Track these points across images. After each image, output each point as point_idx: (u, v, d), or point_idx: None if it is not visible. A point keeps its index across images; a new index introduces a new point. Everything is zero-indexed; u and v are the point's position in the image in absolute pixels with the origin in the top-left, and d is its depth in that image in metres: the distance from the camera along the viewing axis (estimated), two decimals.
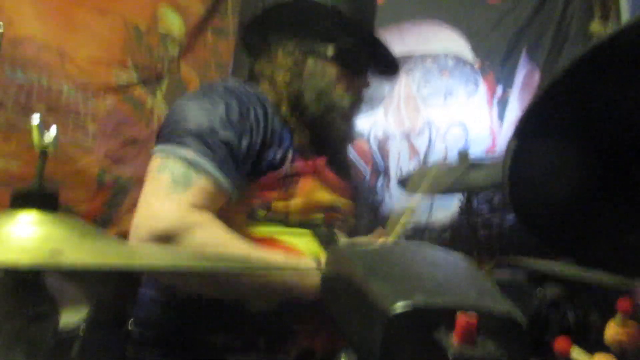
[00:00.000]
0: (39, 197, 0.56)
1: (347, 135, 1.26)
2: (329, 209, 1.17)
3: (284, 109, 1.16)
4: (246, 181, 1.06)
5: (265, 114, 1.11)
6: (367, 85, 1.26)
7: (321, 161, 1.18)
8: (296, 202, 1.10)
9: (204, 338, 1.04)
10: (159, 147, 1.04)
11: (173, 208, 0.96)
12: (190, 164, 0.99)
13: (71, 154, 1.55)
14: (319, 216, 1.15)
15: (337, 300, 0.57)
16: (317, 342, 1.06)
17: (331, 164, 1.22)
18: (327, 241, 1.13)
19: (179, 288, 1.06)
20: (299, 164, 1.13)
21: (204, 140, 1.01)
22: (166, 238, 0.93)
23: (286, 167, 1.10)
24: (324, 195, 1.16)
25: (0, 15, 1.40)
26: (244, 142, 1.04)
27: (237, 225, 1.06)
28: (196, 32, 1.98)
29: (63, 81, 1.55)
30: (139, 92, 1.76)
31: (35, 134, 0.58)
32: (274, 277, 0.98)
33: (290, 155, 1.11)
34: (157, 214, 0.96)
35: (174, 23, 1.90)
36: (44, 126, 0.59)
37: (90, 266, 0.50)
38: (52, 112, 1.52)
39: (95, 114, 1.62)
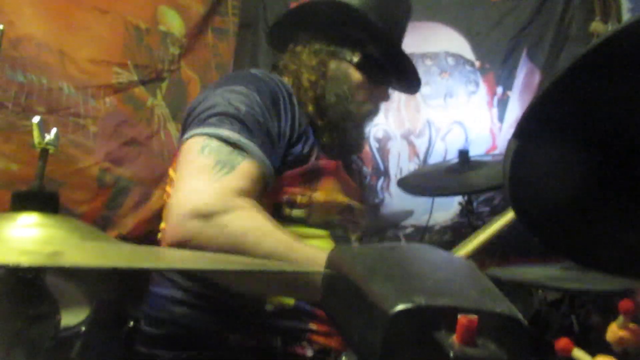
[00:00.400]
0: (40, 198, 0.56)
1: (359, 142, 1.26)
2: (345, 211, 1.17)
3: (309, 108, 1.16)
4: (279, 171, 1.05)
5: (292, 104, 1.11)
6: (386, 99, 1.26)
7: (339, 163, 1.18)
8: (318, 197, 1.09)
9: (219, 337, 1.03)
10: (198, 129, 0.99)
11: (217, 188, 0.92)
12: (236, 145, 0.96)
13: (71, 155, 1.55)
14: (337, 217, 1.15)
15: (338, 300, 0.57)
16: (333, 341, 1.05)
17: (344, 167, 1.22)
18: (341, 242, 1.13)
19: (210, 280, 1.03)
20: (324, 162, 1.13)
21: (244, 122, 0.99)
22: (208, 216, 0.90)
23: (311, 163, 1.10)
24: (342, 197, 1.16)
25: (1, 16, 1.40)
26: (277, 128, 1.03)
27: None
28: (196, 32, 1.98)
29: (63, 81, 1.55)
30: (139, 92, 1.76)
31: (35, 134, 0.58)
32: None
33: (315, 152, 1.12)
34: (201, 193, 0.92)
35: (174, 23, 1.90)
36: (44, 126, 0.59)
37: (91, 266, 0.50)
38: (52, 113, 1.52)
39: (96, 115, 1.62)
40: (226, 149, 0.96)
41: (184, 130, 1.08)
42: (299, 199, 1.08)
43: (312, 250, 0.93)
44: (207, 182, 0.93)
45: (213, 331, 1.04)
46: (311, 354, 0.92)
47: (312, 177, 1.09)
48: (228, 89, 1.05)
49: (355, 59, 1.18)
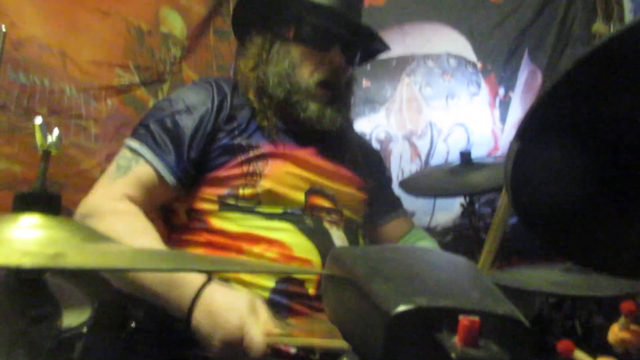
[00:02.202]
0: (42, 199, 0.56)
1: (324, 116, 1.18)
2: (309, 192, 1.15)
3: (250, 94, 1.21)
4: (201, 170, 1.11)
5: (223, 101, 1.16)
6: (338, 61, 1.19)
7: (306, 150, 1.18)
8: (264, 186, 1.10)
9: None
10: (125, 140, 1.14)
11: (100, 193, 1.07)
12: (134, 152, 1.10)
13: (73, 156, 1.55)
14: (297, 201, 1.13)
15: (339, 301, 0.57)
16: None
17: (332, 154, 1.21)
18: (316, 236, 1.10)
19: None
20: (266, 147, 1.14)
21: (151, 132, 1.10)
22: (89, 217, 1.02)
23: (252, 152, 1.12)
24: (298, 176, 1.14)
25: (3, 18, 1.41)
26: (190, 131, 1.11)
27: (206, 218, 1.11)
28: (198, 33, 1.98)
29: (65, 83, 1.56)
30: (141, 93, 1.76)
31: (37, 136, 0.58)
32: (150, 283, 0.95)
33: (256, 143, 1.14)
34: (92, 195, 1.07)
35: (175, 24, 1.90)
36: (46, 128, 0.59)
37: (93, 267, 0.50)
38: (54, 114, 1.52)
39: (97, 116, 1.62)
40: (128, 155, 1.11)
41: None
42: (240, 191, 1.10)
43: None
44: (101, 186, 1.09)
45: None
46: (294, 351, 0.92)
47: (252, 170, 1.11)
48: (163, 99, 1.21)
49: (291, 34, 1.19)
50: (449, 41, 2.17)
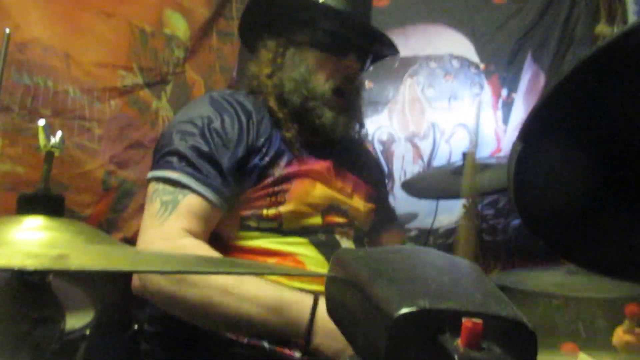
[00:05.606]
0: (45, 201, 0.56)
1: (337, 124, 1.17)
2: (327, 210, 1.14)
3: (271, 103, 1.17)
4: (238, 192, 1.07)
5: (249, 121, 1.11)
6: (354, 68, 1.18)
7: (324, 164, 1.16)
8: (287, 207, 1.08)
9: (210, 332, 1.03)
10: (151, 173, 1.07)
11: (161, 234, 0.99)
12: (176, 184, 1.02)
13: (76, 158, 1.56)
14: (316, 219, 1.12)
15: (341, 303, 0.57)
16: None
17: (346, 164, 1.20)
18: (327, 248, 1.10)
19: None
20: (291, 165, 1.12)
21: (187, 159, 1.04)
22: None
23: (278, 171, 1.10)
24: (320, 196, 1.13)
25: (7, 20, 1.41)
26: (227, 155, 1.06)
27: (230, 239, 1.08)
28: (201, 35, 1.98)
29: (69, 84, 1.56)
30: (144, 95, 1.77)
31: (41, 137, 0.58)
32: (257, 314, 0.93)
33: (281, 161, 1.11)
34: (149, 244, 0.98)
35: (179, 26, 1.91)
36: (49, 129, 0.59)
37: (96, 269, 0.50)
38: (57, 116, 1.52)
39: (101, 117, 1.63)
40: (169, 189, 1.03)
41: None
42: (265, 212, 1.08)
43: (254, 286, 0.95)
44: (153, 230, 1.00)
45: (213, 332, 1.04)
46: (299, 356, 0.91)
47: (278, 190, 1.09)
48: (182, 121, 1.11)
49: (307, 39, 1.17)
50: (452, 42, 2.17)
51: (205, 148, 1.05)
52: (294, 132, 1.14)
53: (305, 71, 1.15)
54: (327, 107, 1.15)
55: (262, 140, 1.11)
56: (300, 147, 1.15)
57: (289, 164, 1.11)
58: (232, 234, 1.09)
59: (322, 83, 1.15)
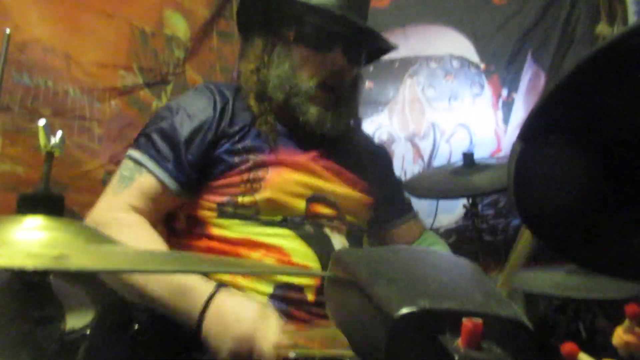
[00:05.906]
0: (45, 201, 0.56)
1: (324, 120, 1.15)
2: (311, 199, 1.14)
3: (251, 98, 1.19)
4: (203, 178, 1.12)
5: (225, 106, 1.15)
6: (339, 63, 1.15)
7: (307, 155, 1.16)
8: (263, 195, 1.09)
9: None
10: (127, 151, 1.15)
11: (105, 205, 1.08)
12: (137, 162, 1.10)
13: (77, 158, 1.56)
14: (298, 208, 1.12)
15: (341, 303, 0.57)
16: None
17: (337, 157, 1.20)
18: (316, 242, 1.10)
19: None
20: (266, 154, 1.13)
21: (153, 141, 1.11)
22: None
23: (252, 158, 1.12)
24: (301, 184, 1.13)
25: (7, 20, 1.41)
26: (194, 141, 1.10)
27: (205, 224, 1.11)
28: (201, 35, 1.98)
29: (69, 84, 1.56)
30: (145, 95, 1.77)
31: (41, 137, 0.59)
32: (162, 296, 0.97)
33: (256, 150, 1.13)
34: (97, 207, 1.08)
35: (179, 27, 1.91)
36: (49, 129, 0.59)
37: (97, 269, 0.50)
38: (58, 116, 1.53)
39: (101, 117, 1.63)
40: (131, 165, 1.11)
41: None
42: (239, 199, 1.10)
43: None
44: (105, 198, 1.10)
45: None
46: (293, 356, 0.92)
47: (253, 177, 1.11)
48: (163, 107, 1.20)
49: (292, 36, 1.17)
50: (452, 43, 2.16)
51: (168, 131, 1.11)
52: (271, 126, 1.16)
53: (290, 68, 1.16)
54: (312, 103, 1.15)
55: (236, 128, 1.14)
56: (282, 139, 1.17)
57: (263, 152, 1.13)
58: (210, 219, 1.11)
59: (306, 79, 1.15)
